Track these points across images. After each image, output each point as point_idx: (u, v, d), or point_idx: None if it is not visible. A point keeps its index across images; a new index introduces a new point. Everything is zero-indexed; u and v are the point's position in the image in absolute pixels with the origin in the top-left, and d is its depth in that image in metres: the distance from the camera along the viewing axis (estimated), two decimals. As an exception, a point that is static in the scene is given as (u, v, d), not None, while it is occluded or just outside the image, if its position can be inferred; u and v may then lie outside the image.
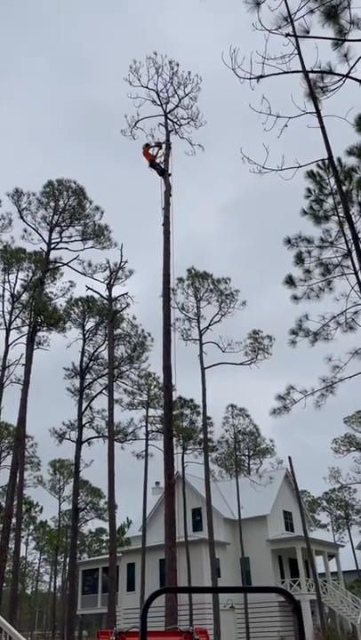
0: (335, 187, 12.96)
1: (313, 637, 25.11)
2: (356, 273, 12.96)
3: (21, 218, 25.56)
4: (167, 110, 20.31)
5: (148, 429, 31.92)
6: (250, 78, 11.14)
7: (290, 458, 30.66)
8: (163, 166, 18.88)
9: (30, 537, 57.03)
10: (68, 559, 39.57)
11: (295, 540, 32.82)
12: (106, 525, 45.86)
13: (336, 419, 48.84)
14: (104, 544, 54.40)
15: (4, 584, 24.27)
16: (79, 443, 28.66)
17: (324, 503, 51.11)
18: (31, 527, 54.99)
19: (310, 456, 70.79)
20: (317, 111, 10.50)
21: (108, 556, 25.81)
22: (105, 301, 28.38)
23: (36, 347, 25.00)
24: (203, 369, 28.35)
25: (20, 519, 25.92)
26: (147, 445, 31.76)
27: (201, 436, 30.70)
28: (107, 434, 27.01)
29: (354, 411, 40.49)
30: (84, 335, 30.49)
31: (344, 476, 45.58)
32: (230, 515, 34.14)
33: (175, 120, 20.21)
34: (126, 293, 27.41)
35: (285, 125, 10.09)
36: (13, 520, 23.93)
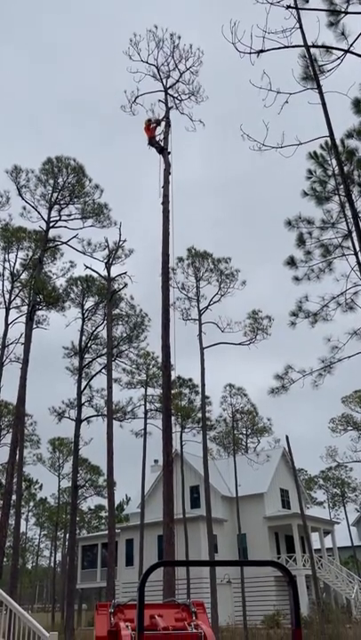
0: (337, 167, 12.83)
1: (308, 611, 25.68)
2: (356, 253, 12.91)
3: (20, 195, 25.32)
4: (167, 85, 19.93)
5: (147, 408, 32.16)
6: (250, 53, 10.93)
7: (287, 437, 30.87)
8: (162, 144, 18.62)
9: (30, 513, 57.88)
10: (67, 535, 40.21)
11: (291, 517, 33.36)
12: (105, 502, 46.58)
13: (334, 399, 49.21)
14: (103, 521, 55.22)
15: (5, 559, 24.69)
16: (78, 421, 28.85)
17: (321, 481, 51.77)
18: (31, 504, 55.76)
19: (308, 435, 71.38)
20: (318, 87, 10.35)
21: (107, 532, 26.22)
22: (104, 281, 28.30)
23: (35, 326, 25.01)
24: (202, 348, 28.42)
25: (20, 496, 26.25)
26: (145, 424, 32.03)
27: (199, 414, 30.92)
28: (106, 412, 27.19)
29: (352, 390, 40.79)
30: (83, 314, 30.48)
31: (341, 454, 46.11)
32: (228, 492, 34.62)
33: (176, 95, 19.85)
34: (125, 273, 27.32)
35: (286, 102, 9.96)
36: (13, 497, 24.23)
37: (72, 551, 29.14)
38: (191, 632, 4.65)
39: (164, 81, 19.91)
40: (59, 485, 49.60)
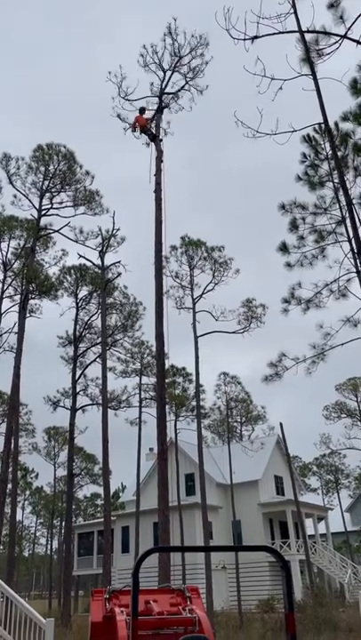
0: (330, 152, 12.75)
1: (302, 595, 26.00)
2: (349, 240, 12.89)
3: (11, 183, 25.07)
4: (166, 69, 19.51)
5: (142, 397, 32.20)
6: (244, 39, 10.79)
7: (281, 424, 31.12)
8: (154, 131, 18.45)
9: (26, 502, 58.09)
10: (63, 523, 40.44)
11: (286, 504, 33.66)
12: (100, 490, 46.71)
13: (328, 387, 49.48)
14: (99, 508, 55.52)
15: (2, 547, 24.84)
16: (73, 410, 28.87)
17: (315, 468, 52.21)
18: (27, 492, 55.92)
19: (301, 423, 71.95)
20: (313, 73, 10.25)
21: (102, 519, 26.36)
22: (97, 270, 28.17)
23: (28, 315, 24.92)
24: (196, 337, 28.41)
25: (15, 485, 26.32)
26: (140, 412, 32.10)
27: (193, 403, 31.00)
28: (101, 401, 27.21)
29: (345, 378, 41.01)
30: (77, 304, 30.36)
31: (334, 441, 46.49)
32: (222, 479, 34.84)
33: (178, 79, 19.46)
34: (119, 262, 27.19)
35: (280, 88, 9.85)
36: (9, 485, 24.29)
37: (68, 539, 29.33)
38: (185, 616, 4.67)
39: (162, 69, 19.41)
40: (54, 474, 49.73)
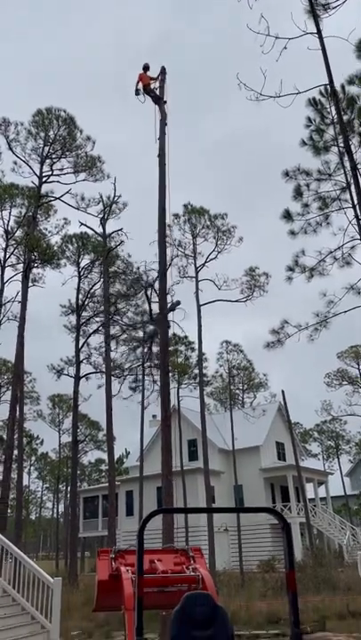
0: (336, 115, 12.45)
1: (302, 556, 26.74)
2: (354, 206, 12.72)
3: (10, 150, 24.64)
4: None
5: (145, 365, 32.38)
6: (248, -5, 10.40)
7: (283, 391, 31.40)
8: (158, 93, 17.93)
9: (32, 467, 59.32)
10: (69, 488, 41.36)
11: (287, 469, 34.29)
12: (105, 456, 47.63)
13: (330, 355, 49.69)
14: (103, 474, 56.66)
15: (9, 511, 25.48)
16: (77, 378, 29.14)
17: (316, 434, 52.96)
18: (33, 459, 57.04)
19: (303, 390, 72.57)
20: (318, 30, 9.93)
21: (107, 484, 26.94)
22: (99, 238, 27.96)
23: (31, 284, 24.87)
24: (198, 306, 28.42)
25: (21, 451, 26.81)
26: (143, 380, 32.35)
27: (196, 371, 31.23)
28: (104, 369, 27.43)
29: (347, 346, 41.16)
30: (79, 272, 30.26)
31: (336, 408, 47.02)
32: (225, 445, 35.39)
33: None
34: (121, 229, 26.96)
35: (285, 47, 9.55)
36: (15, 452, 24.75)
37: (74, 502, 30.03)
38: (189, 575, 4.82)
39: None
40: (59, 440, 50.62)
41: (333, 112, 12.35)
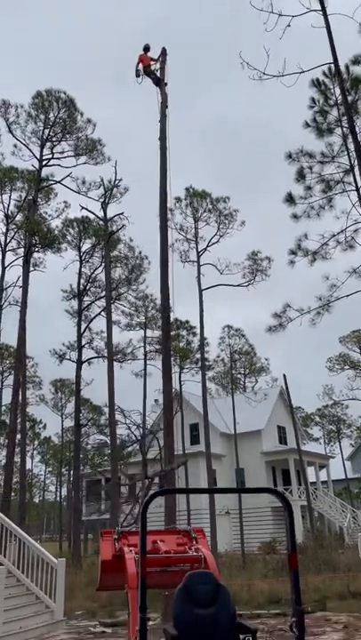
0: (340, 96, 12.27)
1: (303, 538, 27.02)
2: (357, 189, 12.61)
3: (10, 132, 24.40)
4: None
5: (147, 350, 32.51)
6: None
7: (285, 375, 31.46)
8: (158, 74, 17.66)
9: (35, 451, 59.80)
10: (72, 471, 41.73)
11: (288, 452, 34.51)
12: (107, 440, 47.87)
13: (332, 340, 49.72)
14: (106, 457, 57.06)
15: (13, 494, 25.73)
16: (79, 363, 29.20)
17: (317, 418, 53.21)
18: (36, 442, 57.48)
19: (305, 376, 72.74)
20: (323, 7, 9.72)
21: (110, 468, 27.14)
22: (100, 222, 27.82)
23: (32, 268, 24.81)
24: (200, 290, 28.38)
25: (24, 435, 26.98)
26: (145, 365, 32.50)
27: (197, 355, 31.30)
28: (106, 354, 27.49)
29: (349, 330, 41.13)
30: (80, 257, 30.13)
31: (337, 392, 47.17)
32: (226, 429, 35.59)
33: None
34: (122, 213, 26.80)
35: (288, 25, 9.38)
36: (18, 436, 24.92)
37: (77, 486, 30.30)
38: (191, 555, 4.86)
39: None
40: (62, 425, 50.97)
41: (338, 93, 12.18)
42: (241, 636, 3.50)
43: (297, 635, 3.13)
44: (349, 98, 12.13)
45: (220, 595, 3.73)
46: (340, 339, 41.91)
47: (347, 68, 12.77)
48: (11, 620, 9.47)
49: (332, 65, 10.66)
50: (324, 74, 13.18)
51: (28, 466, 54.75)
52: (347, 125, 11.89)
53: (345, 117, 12.38)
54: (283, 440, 38.07)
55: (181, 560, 4.81)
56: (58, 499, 66.12)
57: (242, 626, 3.59)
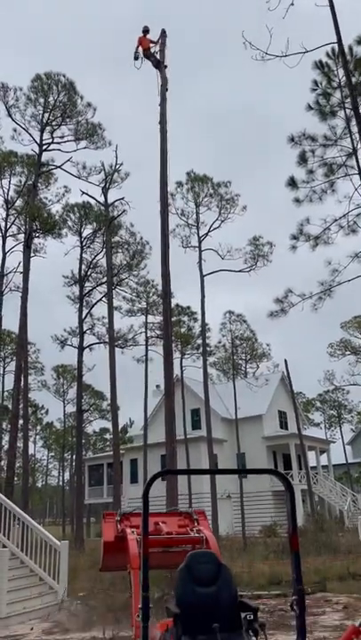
0: (344, 77, 12.11)
1: (303, 521, 27.29)
2: (360, 172, 12.50)
3: (10, 116, 24.16)
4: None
5: (148, 335, 32.52)
6: None
7: (286, 361, 31.50)
8: (158, 57, 17.44)
9: (38, 437, 60.24)
10: (74, 456, 42.08)
11: (289, 437, 34.69)
12: (109, 425, 48.21)
13: (333, 326, 49.74)
14: (108, 442, 57.47)
15: (16, 478, 25.98)
16: (81, 349, 29.25)
17: (318, 404, 53.40)
18: (38, 428, 57.87)
19: (306, 362, 72.79)
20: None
21: (112, 452, 27.37)
22: (101, 207, 27.67)
23: (32, 254, 24.74)
24: (202, 276, 28.33)
25: (26, 420, 27.15)
26: (147, 351, 32.51)
27: (198, 341, 31.33)
28: (107, 340, 27.53)
29: (351, 316, 41.10)
30: (81, 243, 30.00)
31: (338, 378, 47.26)
32: (227, 414, 35.74)
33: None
34: (122, 198, 26.66)
35: (291, 4, 9.22)
36: (21, 421, 25.09)
37: (79, 470, 30.55)
38: (193, 536, 4.91)
39: None
40: (64, 410, 51.26)
41: (341, 74, 12.01)
42: (242, 614, 3.55)
43: (298, 613, 3.17)
44: (353, 79, 11.97)
45: (221, 574, 3.77)
46: (341, 324, 41.92)
47: (350, 49, 12.59)
48: (15, 600, 9.61)
49: (336, 45, 10.50)
50: (327, 55, 13.01)
51: (31, 451, 55.20)
52: (350, 107, 11.75)
53: (348, 99, 12.23)
54: (284, 425, 38.26)
55: (183, 541, 4.87)
56: (60, 483, 66.76)
57: (243, 604, 3.63)
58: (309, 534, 20.10)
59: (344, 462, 47.97)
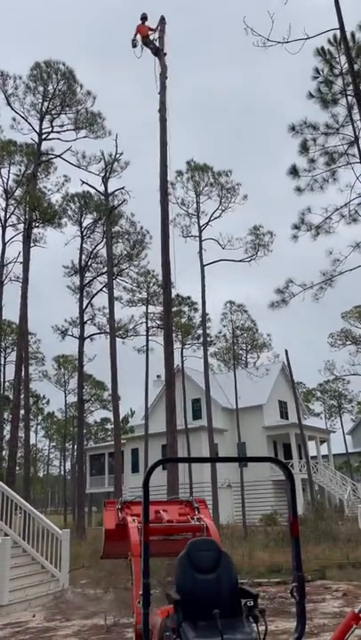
0: (346, 65, 11.98)
1: (303, 510, 27.45)
2: (362, 161, 12.41)
3: (9, 105, 23.99)
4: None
5: (149, 325, 32.52)
6: None
7: (286, 351, 31.50)
8: (157, 44, 17.23)
9: (39, 427, 60.51)
10: (75, 446, 42.24)
11: (289, 427, 34.81)
12: (110, 415, 48.37)
13: (333, 316, 49.72)
14: (109, 432, 57.71)
15: (18, 468, 26.12)
16: (81, 339, 29.26)
17: (319, 394, 53.53)
18: (39, 418, 58.09)
19: (307, 352, 72.92)
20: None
21: (113, 442, 27.47)
22: (101, 197, 27.53)
23: (32, 244, 24.67)
24: (202, 266, 28.26)
25: (28, 410, 27.22)
26: (147, 341, 32.53)
27: (199, 331, 31.33)
28: (108, 330, 27.53)
29: (352, 306, 41.07)
30: (81, 232, 29.88)
31: (339, 368, 47.34)
32: (228, 404, 35.86)
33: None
34: (123, 188, 26.52)
35: (294, -10, 9.07)
36: (22, 411, 25.14)
37: (81, 460, 30.70)
38: (194, 524, 4.93)
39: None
40: (65, 400, 51.39)
41: (343, 61, 11.89)
42: (242, 601, 3.57)
43: (298, 600, 3.19)
44: (356, 66, 11.85)
45: (221, 561, 3.79)
46: (342, 314, 41.91)
47: (353, 35, 12.45)
48: (17, 588, 9.69)
49: (338, 31, 10.37)
50: (329, 42, 12.87)
51: (33, 441, 55.45)
52: (352, 95, 11.64)
53: (350, 87, 12.12)
54: (284, 415, 38.38)
55: (184, 529, 4.89)
56: (62, 473, 67.14)
57: (243, 591, 3.66)
58: (309, 523, 20.21)
59: (344, 452, 48.19)
